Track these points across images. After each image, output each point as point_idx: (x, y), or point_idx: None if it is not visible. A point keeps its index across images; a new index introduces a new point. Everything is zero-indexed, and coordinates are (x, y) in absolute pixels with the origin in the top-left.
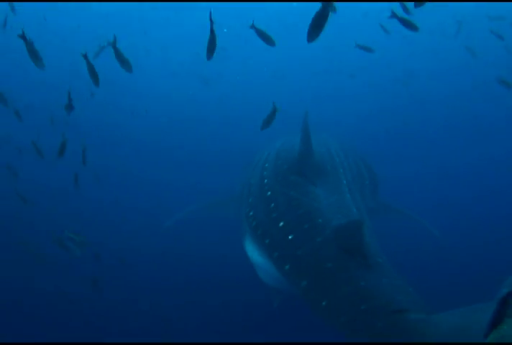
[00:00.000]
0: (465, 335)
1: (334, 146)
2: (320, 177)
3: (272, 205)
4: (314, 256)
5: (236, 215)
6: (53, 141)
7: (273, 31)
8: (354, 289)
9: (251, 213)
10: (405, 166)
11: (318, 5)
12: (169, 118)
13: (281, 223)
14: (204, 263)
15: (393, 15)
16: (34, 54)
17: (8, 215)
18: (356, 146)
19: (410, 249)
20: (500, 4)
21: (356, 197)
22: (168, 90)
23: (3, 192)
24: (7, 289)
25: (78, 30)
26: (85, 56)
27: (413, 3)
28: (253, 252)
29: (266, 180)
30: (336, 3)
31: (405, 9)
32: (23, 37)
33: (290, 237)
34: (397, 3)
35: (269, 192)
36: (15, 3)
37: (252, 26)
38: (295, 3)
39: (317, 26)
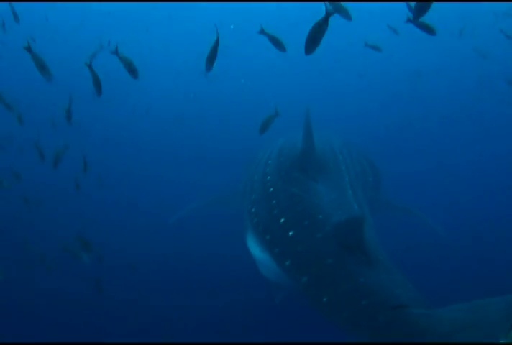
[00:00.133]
0: (469, 330)
1: (337, 143)
2: (322, 173)
3: (274, 201)
4: (314, 253)
5: (239, 212)
6: (55, 141)
7: (276, 29)
8: (354, 285)
9: (253, 210)
10: (409, 163)
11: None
12: (171, 116)
13: (282, 220)
14: (204, 263)
15: (409, 19)
16: (41, 65)
17: (9, 215)
18: (359, 144)
19: (411, 246)
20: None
21: (358, 193)
22: (170, 88)
23: (5, 192)
24: (7, 289)
25: (80, 29)
26: (89, 66)
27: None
28: (255, 248)
29: (269, 177)
30: (344, 3)
31: (411, 10)
32: (28, 49)
33: (290, 233)
34: (403, 4)
35: (271, 189)
36: (15, 4)
37: (262, 31)
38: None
39: (314, 40)
